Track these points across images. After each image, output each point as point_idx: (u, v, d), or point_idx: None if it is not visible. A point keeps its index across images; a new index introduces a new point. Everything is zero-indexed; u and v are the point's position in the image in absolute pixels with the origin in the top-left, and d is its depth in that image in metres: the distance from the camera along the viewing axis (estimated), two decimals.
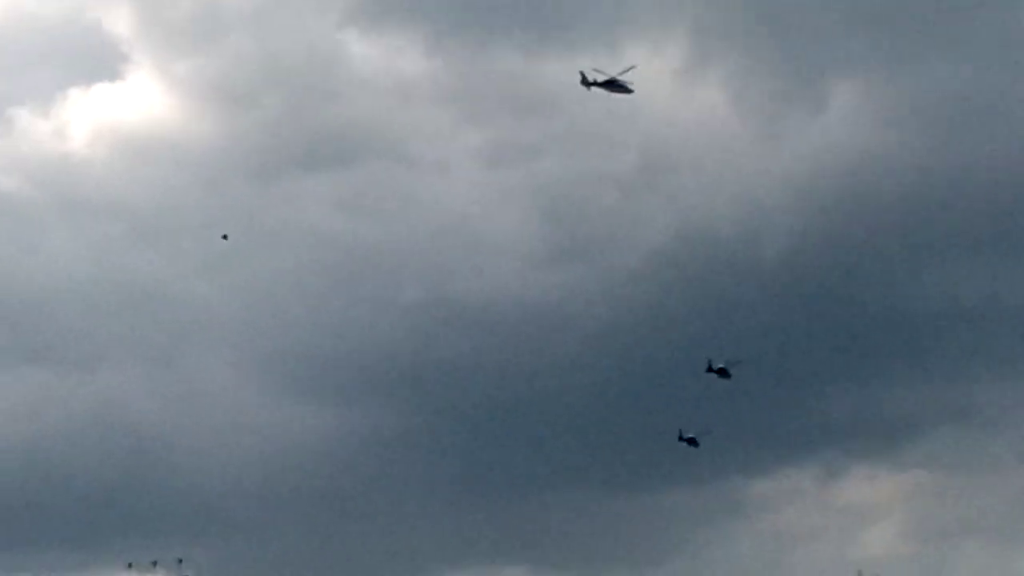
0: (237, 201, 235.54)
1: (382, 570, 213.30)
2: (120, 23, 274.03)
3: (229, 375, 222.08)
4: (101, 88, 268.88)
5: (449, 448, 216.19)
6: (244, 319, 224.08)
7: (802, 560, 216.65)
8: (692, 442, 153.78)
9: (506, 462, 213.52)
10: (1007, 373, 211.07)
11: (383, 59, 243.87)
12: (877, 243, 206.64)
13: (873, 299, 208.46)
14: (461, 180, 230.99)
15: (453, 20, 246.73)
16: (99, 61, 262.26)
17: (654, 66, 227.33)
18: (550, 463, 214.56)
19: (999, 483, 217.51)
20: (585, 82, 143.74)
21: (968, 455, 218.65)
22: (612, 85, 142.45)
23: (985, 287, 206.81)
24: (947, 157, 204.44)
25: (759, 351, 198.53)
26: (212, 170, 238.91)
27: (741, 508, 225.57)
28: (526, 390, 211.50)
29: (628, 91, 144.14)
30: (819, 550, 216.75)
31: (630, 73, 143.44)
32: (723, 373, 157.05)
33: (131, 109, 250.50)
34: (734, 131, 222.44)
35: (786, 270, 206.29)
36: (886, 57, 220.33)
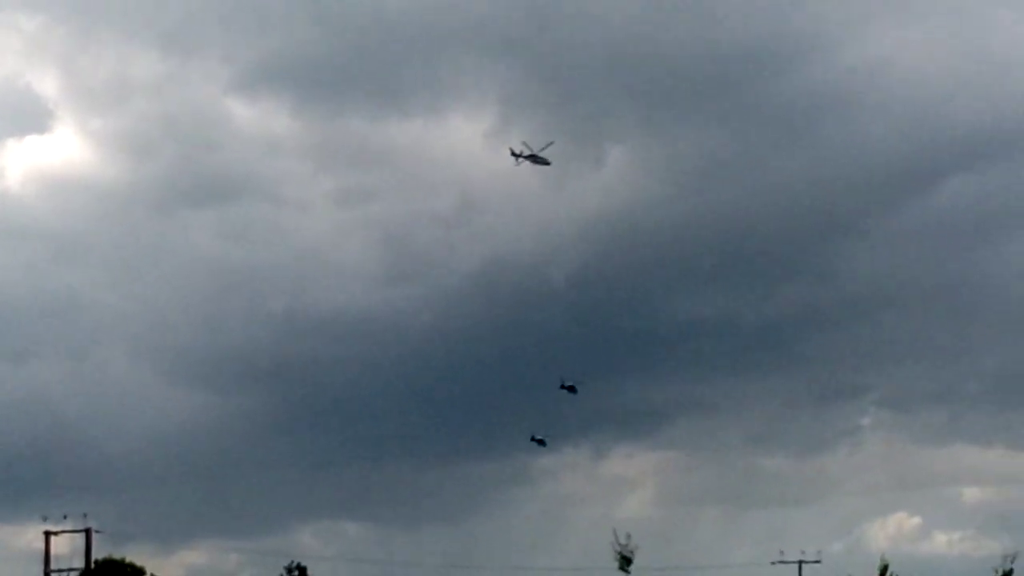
0: (139, 230, 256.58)
1: (248, 522, 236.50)
2: (48, 86, 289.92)
3: (130, 367, 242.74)
4: (32, 139, 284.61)
5: (304, 429, 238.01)
6: (143, 323, 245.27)
7: (577, 518, 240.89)
8: (541, 442, 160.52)
9: (347, 440, 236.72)
10: (737, 374, 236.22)
11: (258, 119, 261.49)
12: (643, 271, 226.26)
13: (638, 315, 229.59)
14: (317, 217, 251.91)
15: (313, 90, 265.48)
16: (31, 117, 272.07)
17: (469, 128, 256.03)
18: (382, 441, 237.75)
19: (729, 460, 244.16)
20: (513, 154, 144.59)
21: (706, 438, 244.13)
22: (534, 159, 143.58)
23: (724, 307, 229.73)
24: (699, 204, 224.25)
25: (547, 354, 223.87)
26: (119, 205, 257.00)
27: (530, 478, 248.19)
28: (367, 384, 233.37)
29: (546, 163, 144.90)
30: (590, 511, 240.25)
31: (548, 150, 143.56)
32: (572, 389, 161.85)
33: (56, 155, 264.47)
34: (531, 181, 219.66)
35: (571, 291, 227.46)
36: (653, 124, 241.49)
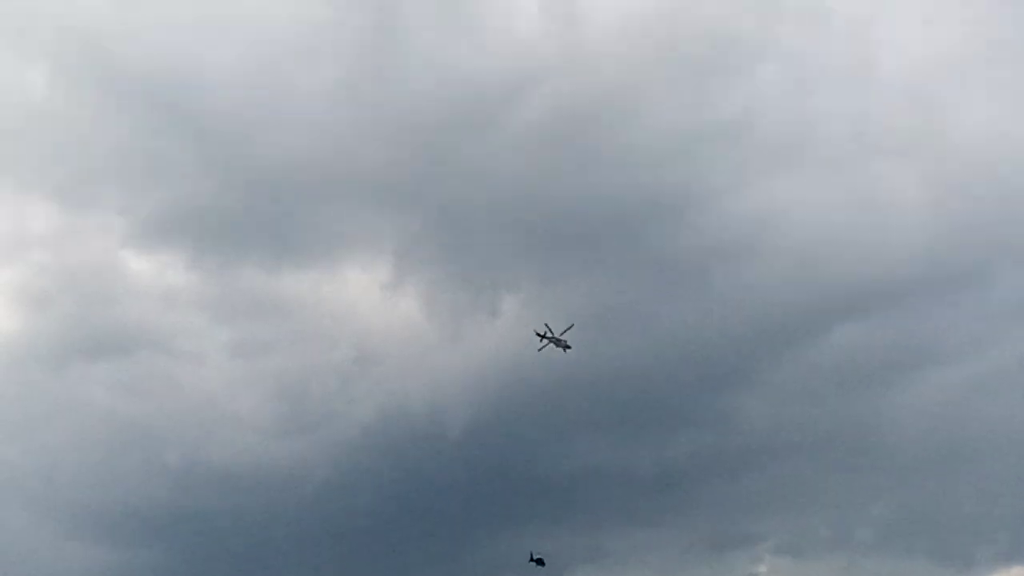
0: (36, 383, 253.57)
1: None
2: None
3: (28, 522, 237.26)
4: None
5: None
6: (39, 477, 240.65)
7: None
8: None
9: None
10: (633, 523, 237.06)
11: (154, 273, 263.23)
12: (538, 421, 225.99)
13: (532, 464, 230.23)
14: (213, 369, 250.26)
15: (209, 244, 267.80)
16: None
17: (364, 281, 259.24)
18: None
19: None
20: (538, 335, 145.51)
21: None
22: (556, 342, 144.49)
23: (619, 456, 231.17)
24: (591, 354, 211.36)
25: (439, 505, 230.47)
26: (15, 358, 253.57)
27: None
28: (264, 535, 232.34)
29: (567, 347, 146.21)
30: None
31: (569, 332, 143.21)
32: (540, 562, 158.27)
33: None
34: (425, 332, 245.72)
35: (467, 441, 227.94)
36: (544, 276, 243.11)
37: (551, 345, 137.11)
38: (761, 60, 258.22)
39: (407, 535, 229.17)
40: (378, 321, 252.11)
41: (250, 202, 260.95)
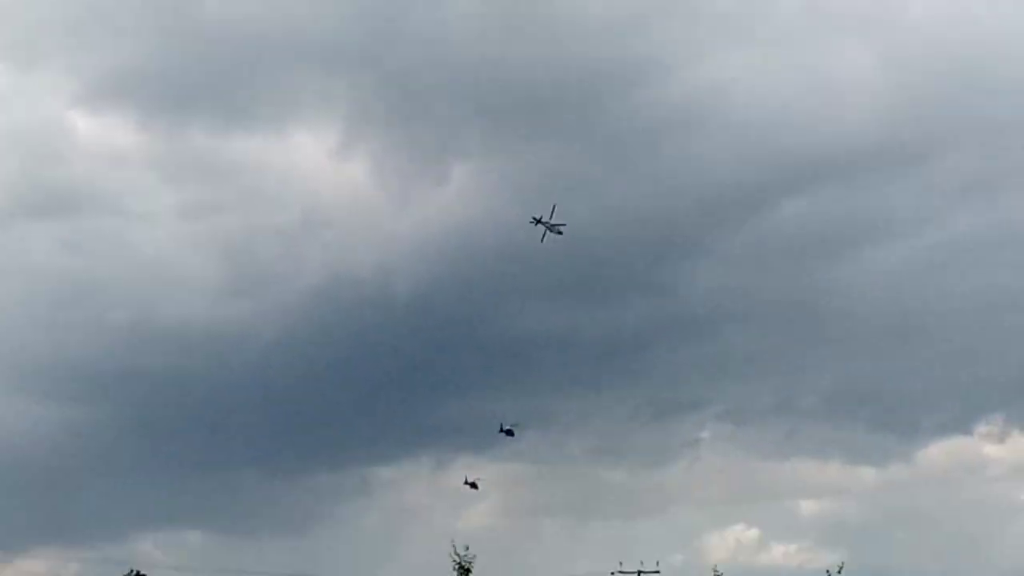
0: None
1: (89, 531, 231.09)
2: None
3: None
4: None
5: (146, 440, 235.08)
6: None
7: (417, 530, 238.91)
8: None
9: (190, 450, 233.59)
10: (580, 388, 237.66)
11: (102, 133, 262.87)
12: (486, 286, 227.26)
13: (481, 329, 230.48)
14: (161, 229, 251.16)
15: (158, 105, 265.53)
16: None
17: (313, 146, 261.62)
18: (225, 452, 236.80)
19: (572, 473, 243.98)
20: (534, 220, 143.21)
21: (549, 451, 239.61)
22: (551, 227, 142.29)
23: (567, 321, 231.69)
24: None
25: (386, 370, 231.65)
26: None
27: (370, 489, 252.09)
28: (209, 395, 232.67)
29: (560, 232, 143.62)
30: (431, 523, 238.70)
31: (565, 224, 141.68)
32: (510, 432, 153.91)
33: None
34: (374, 198, 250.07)
35: (414, 306, 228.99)
36: (494, 144, 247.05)
37: (547, 231, 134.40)
38: None
39: (353, 398, 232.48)
40: (327, 185, 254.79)
41: (200, 64, 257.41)
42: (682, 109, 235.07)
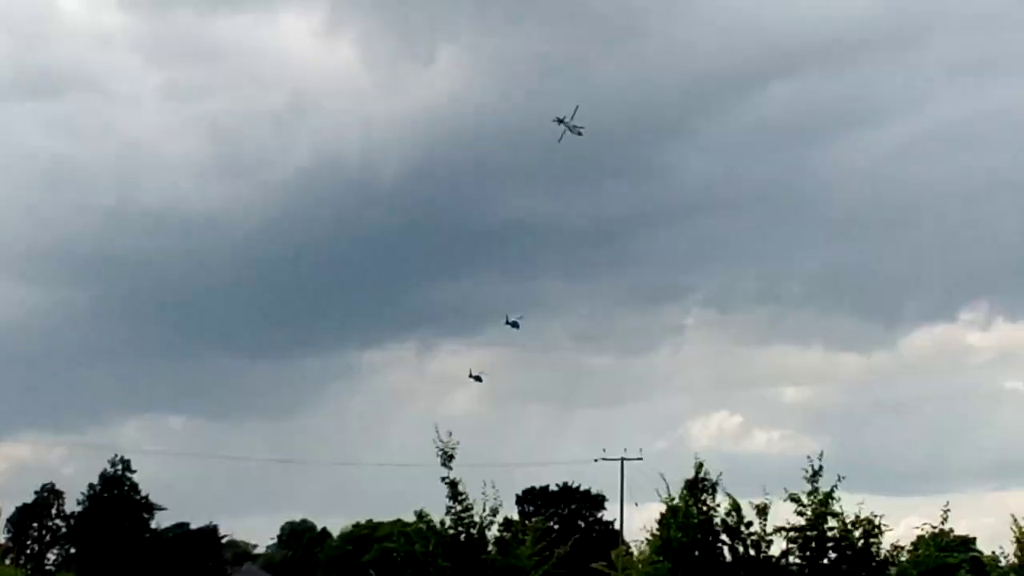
0: None
1: (73, 416, 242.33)
2: None
3: None
4: None
5: (130, 323, 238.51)
6: None
7: (403, 414, 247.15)
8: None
9: (174, 334, 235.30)
10: (565, 274, 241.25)
11: (86, 12, 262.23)
12: (472, 170, 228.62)
13: (467, 214, 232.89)
14: (147, 111, 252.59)
15: None
16: None
17: (300, 26, 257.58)
18: (209, 336, 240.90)
19: (556, 358, 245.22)
20: (557, 120, 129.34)
21: (533, 336, 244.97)
22: (571, 128, 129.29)
23: (552, 207, 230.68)
24: (529, 104, 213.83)
25: (376, 251, 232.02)
26: None
27: (356, 373, 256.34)
28: (195, 278, 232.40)
29: (580, 132, 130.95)
30: (416, 406, 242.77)
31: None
32: (515, 325, 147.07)
33: None
34: (361, 79, 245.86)
35: (400, 190, 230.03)
36: (480, 26, 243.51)
37: (566, 131, 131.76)
38: None
39: (339, 281, 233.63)
40: (313, 67, 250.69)
41: None
42: None
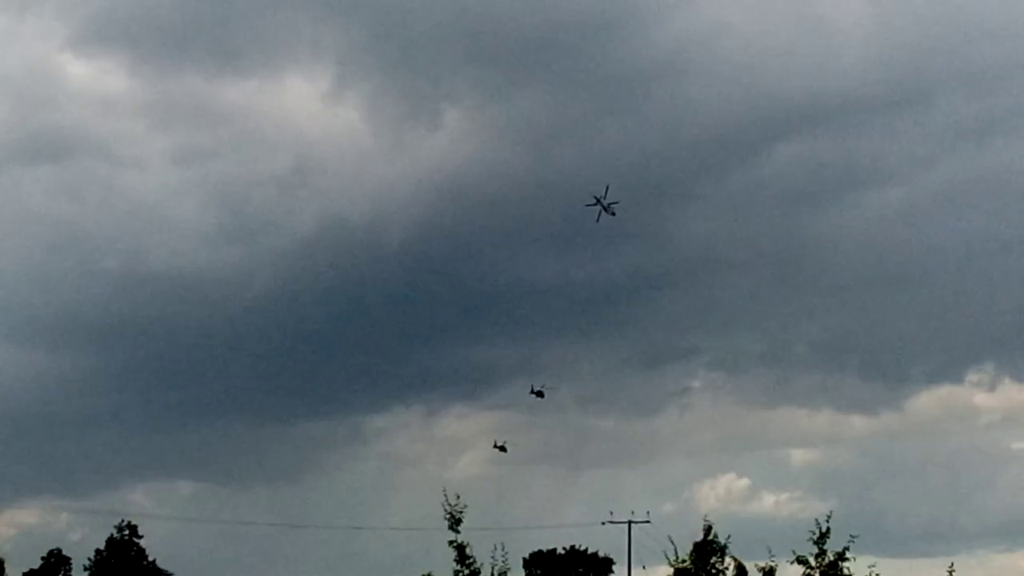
0: None
1: (80, 482, 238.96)
2: None
3: None
4: None
5: (137, 388, 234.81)
6: None
7: (410, 478, 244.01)
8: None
9: (182, 400, 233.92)
10: (570, 336, 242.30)
11: (94, 78, 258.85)
12: (478, 234, 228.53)
13: (472, 277, 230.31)
14: (153, 176, 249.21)
15: (151, 48, 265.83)
16: None
17: (306, 90, 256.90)
18: (217, 401, 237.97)
19: (561, 421, 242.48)
20: (594, 200, 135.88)
21: (539, 400, 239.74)
22: (605, 208, 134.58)
23: (557, 270, 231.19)
24: (534, 168, 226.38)
25: (378, 317, 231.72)
26: None
27: (362, 437, 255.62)
28: (202, 343, 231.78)
29: (613, 213, 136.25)
30: (423, 471, 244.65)
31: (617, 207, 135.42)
32: (540, 394, 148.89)
33: None
34: (367, 143, 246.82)
35: (407, 254, 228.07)
36: (487, 88, 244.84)
37: (602, 211, 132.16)
38: None
39: (345, 346, 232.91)
40: (319, 131, 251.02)
41: (192, 7, 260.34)
42: (675, 53, 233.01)
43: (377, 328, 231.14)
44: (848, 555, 63.82)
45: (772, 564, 64.95)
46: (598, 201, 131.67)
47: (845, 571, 64.17)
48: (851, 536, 63.26)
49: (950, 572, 63.37)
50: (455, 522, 66.23)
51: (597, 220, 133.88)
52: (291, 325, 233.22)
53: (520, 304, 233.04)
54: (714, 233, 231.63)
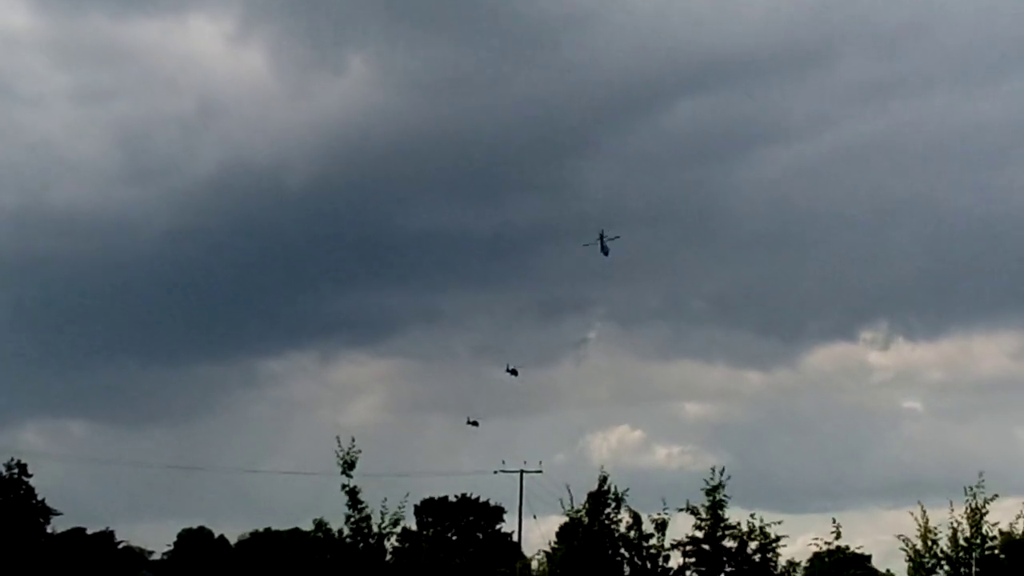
0: None
1: None
2: None
3: None
4: None
5: (31, 326, 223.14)
6: None
7: (304, 423, 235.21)
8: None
9: (76, 338, 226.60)
10: (468, 286, 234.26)
11: None
12: (378, 180, 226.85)
13: (372, 224, 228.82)
14: (54, 114, 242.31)
15: None
16: None
17: (211, 31, 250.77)
18: (111, 341, 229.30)
19: (455, 369, 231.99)
20: (599, 238, 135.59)
21: (435, 348, 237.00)
22: (604, 249, 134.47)
23: (457, 219, 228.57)
24: (437, 117, 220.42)
25: (278, 262, 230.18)
26: None
27: (256, 381, 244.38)
28: (97, 282, 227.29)
29: (607, 252, 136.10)
30: (317, 416, 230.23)
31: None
32: (514, 372, 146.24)
33: None
34: (271, 87, 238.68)
35: (307, 198, 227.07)
36: (392, 36, 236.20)
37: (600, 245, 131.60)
38: None
39: (243, 289, 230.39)
40: (223, 73, 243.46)
41: None
42: (581, 6, 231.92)
43: (275, 272, 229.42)
44: (727, 507, 64.96)
45: (665, 516, 65.74)
46: (601, 240, 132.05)
47: (732, 522, 65.17)
48: (718, 485, 64.54)
49: (836, 527, 64.56)
50: (348, 466, 66.23)
51: (607, 255, 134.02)
52: (189, 267, 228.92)
53: (419, 252, 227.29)
54: (615, 186, 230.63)
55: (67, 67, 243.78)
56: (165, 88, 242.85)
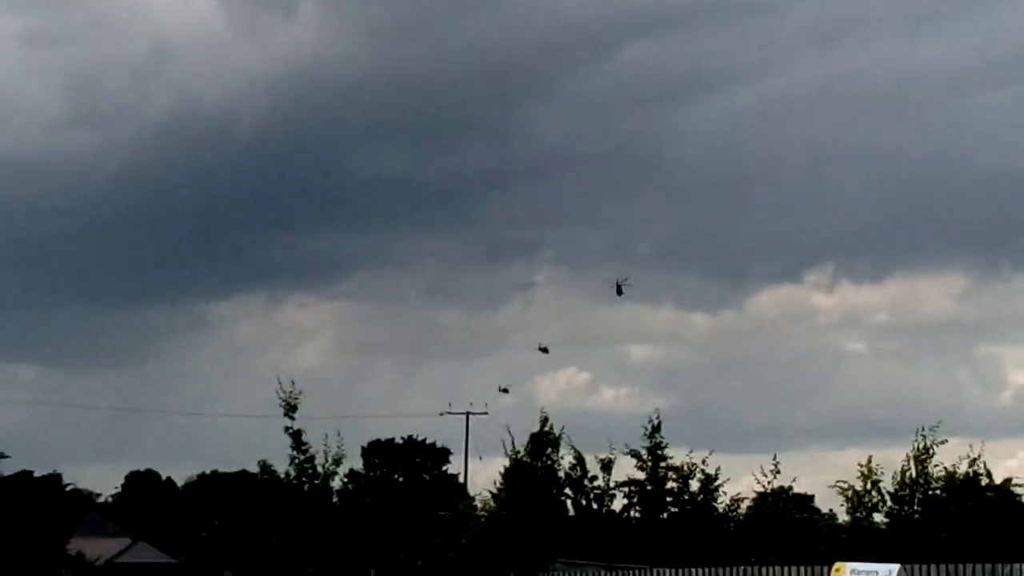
0: None
1: None
2: None
3: None
4: None
5: None
6: None
7: (251, 366, 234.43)
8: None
9: (21, 282, 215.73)
10: (415, 229, 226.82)
11: None
12: (328, 125, 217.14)
13: (320, 168, 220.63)
14: (3, 57, 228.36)
15: None
16: None
17: None
18: (57, 284, 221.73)
19: (405, 312, 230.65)
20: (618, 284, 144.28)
21: (382, 291, 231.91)
22: (619, 289, 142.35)
23: (405, 163, 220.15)
24: (385, 61, 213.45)
25: (228, 206, 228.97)
26: None
27: (204, 324, 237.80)
28: (44, 226, 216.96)
29: (622, 292, 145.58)
30: (265, 359, 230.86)
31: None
32: (545, 351, 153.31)
33: None
34: (221, 31, 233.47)
35: (257, 142, 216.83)
36: None
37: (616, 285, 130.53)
38: None
39: (191, 233, 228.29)
40: (172, 16, 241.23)
41: None
42: None
43: (224, 216, 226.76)
44: (667, 448, 65.66)
45: (610, 457, 66.21)
46: (617, 284, 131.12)
47: (675, 463, 65.82)
48: (654, 427, 65.24)
49: (775, 464, 65.23)
50: (290, 409, 66.56)
51: (620, 294, 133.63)
52: (137, 210, 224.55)
53: (368, 197, 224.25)
54: (562, 131, 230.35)
55: (16, 10, 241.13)
56: (114, 32, 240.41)
